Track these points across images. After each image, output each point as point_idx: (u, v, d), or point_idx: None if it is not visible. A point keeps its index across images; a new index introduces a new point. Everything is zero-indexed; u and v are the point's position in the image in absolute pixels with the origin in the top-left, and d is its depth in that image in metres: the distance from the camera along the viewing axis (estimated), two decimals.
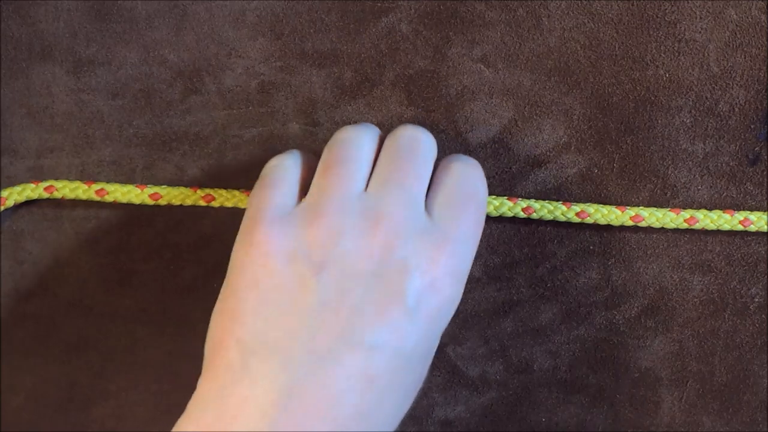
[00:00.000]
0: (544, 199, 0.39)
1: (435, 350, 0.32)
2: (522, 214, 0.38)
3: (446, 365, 0.41)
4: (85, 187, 0.40)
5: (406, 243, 0.30)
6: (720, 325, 0.40)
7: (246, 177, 0.40)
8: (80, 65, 0.39)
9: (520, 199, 0.38)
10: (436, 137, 0.39)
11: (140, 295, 0.41)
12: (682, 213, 0.38)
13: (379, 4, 0.38)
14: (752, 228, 0.38)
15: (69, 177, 0.40)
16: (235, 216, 0.41)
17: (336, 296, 0.29)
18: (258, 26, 0.39)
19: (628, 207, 0.38)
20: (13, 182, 0.40)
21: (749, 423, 0.41)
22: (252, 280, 0.30)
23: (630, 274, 0.40)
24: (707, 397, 0.41)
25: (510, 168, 0.39)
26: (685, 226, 0.38)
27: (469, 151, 0.39)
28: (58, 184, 0.40)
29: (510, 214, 0.38)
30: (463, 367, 0.41)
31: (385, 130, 0.39)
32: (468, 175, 0.34)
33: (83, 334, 0.42)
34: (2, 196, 0.40)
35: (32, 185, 0.40)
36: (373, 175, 0.33)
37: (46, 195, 0.40)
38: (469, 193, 0.33)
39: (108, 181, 0.40)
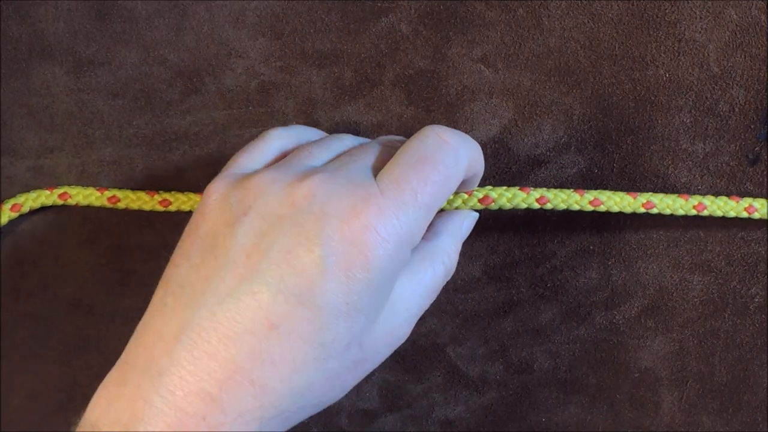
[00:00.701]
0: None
1: (373, 318, 0.30)
2: (536, 205, 0.36)
3: (446, 365, 0.41)
4: (98, 194, 0.40)
5: (330, 193, 0.29)
6: (720, 325, 0.40)
7: None
8: (80, 65, 0.39)
9: (533, 189, 0.37)
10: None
11: (140, 295, 0.41)
12: (690, 199, 0.38)
13: (379, 4, 0.38)
14: (756, 215, 0.38)
15: (69, 177, 0.40)
16: None
17: (251, 240, 0.29)
18: (258, 26, 0.39)
19: (639, 193, 0.38)
20: (13, 182, 0.40)
21: (749, 423, 0.41)
22: (193, 227, 0.31)
23: (630, 274, 0.40)
24: (707, 397, 0.41)
25: (510, 168, 0.39)
26: (693, 212, 0.38)
27: None
28: (72, 191, 0.40)
29: (524, 205, 0.36)
30: (463, 367, 0.41)
31: (386, 129, 0.39)
32: (425, 140, 0.31)
33: (83, 334, 0.42)
34: (18, 202, 0.40)
35: (47, 192, 0.40)
36: None
37: (60, 202, 0.40)
38: (421, 157, 0.31)
39: (108, 181, 0.40)
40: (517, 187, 0.36)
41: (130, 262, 0.41)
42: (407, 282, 0.31)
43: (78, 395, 0.42)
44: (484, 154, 0.39)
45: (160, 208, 0.39)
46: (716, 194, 0.39)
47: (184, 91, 0.39)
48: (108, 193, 0.40)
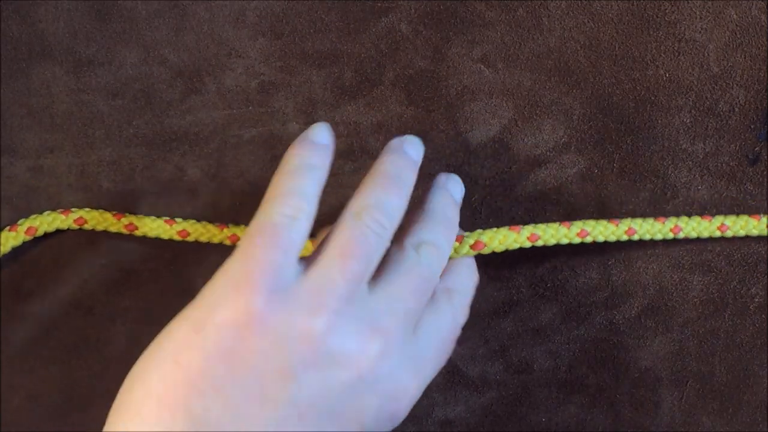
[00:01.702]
0: (544, 200, 0.39)
1: None
2: (528, 243, 0.37)
3: (446, 365, 0.41)
4: (115, 220, 0.40)
5: (392, 360, 0.30)
6: (720, 325, 0.40)
7: (246, 177, 0.40)
8: (80, 65, 0.39)
9: (522, 227, 0.37)
10: (436, 137, 0.39)
11: (140, 295, 0.41)
12: (666, 222, 0.38)
13: (379, 4, 0.38)
14: (729, 233, 0.38)
15: (69, 177, 0.40)
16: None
17: (308, 402, 0.28)
18: (258, 26, 0.39)
19: (621, 220, 0.38)
20: (13, 182, 0.40)
21: (749, 423, 0.41)
22: (228, 350, 0.27)
23: (630, 274, 0.40)
24: (707, 397, 0.41)
25: (510, 168, 0.39)
26: (671, 235, 0.38)
27: (469, 151, 0.39)
28: (88, 216, 0.40)
29: (516, 245, 0.37)
30: (463, 367, 0.41)
31: (385, 129, 0.39)
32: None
33: (83, 335, 0.42)
34: (33, 225, 0.40)
35: (62, 216, 0.40)
36: (378, 281, 0.31)
37: (75, 227, 0.40)
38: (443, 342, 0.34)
39: (109, 181, 0.40)
40: (507, 227, 0.37)
41: (129, 262, 0.41)
42: None
43: (78, 395, 0.42)
44: (485, 154, 0.39)
45: (178, 237, 0.40)
46: (716, 194, 0.39)
47: (184, 91, 0.39)
48: (125, 220, 0.40)
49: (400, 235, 0.33)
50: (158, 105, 0.39)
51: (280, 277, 0.29)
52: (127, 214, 0.40)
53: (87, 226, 0.40)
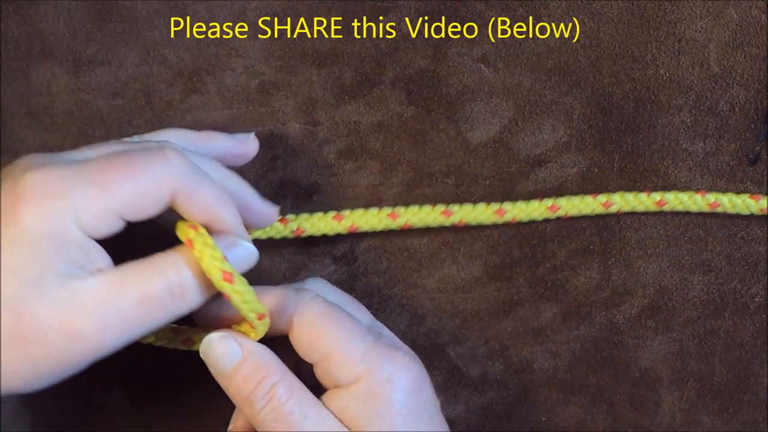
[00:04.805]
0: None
1: (33, 290, 0.29)
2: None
3: (446, 365, 0.41)
4: None
5: (28, 157, 0.30)
6: (720, 325, 0.40)
7: (246, 177, 0.40)
8: (80, 65, 0.39)
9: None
10: (436, 137, 0.39)
11: None
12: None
13: (379, 4, 0.38)
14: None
15: None
16: None
17: None
18: (258, 26, 0.39)
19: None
20: None
21: (749, 423, 0.41)
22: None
23: (630, 274, 0.40)
24: (707, 397, 0.41)
25: (510, 168, 0.39)
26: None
27: (469, 150, 0.39)
28: None
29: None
30: (463, 367, 0.41)
31: (386, 129, 0.39)
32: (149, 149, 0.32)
33: None
34: None
35: None
36: None
37: None
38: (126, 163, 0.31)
39: None
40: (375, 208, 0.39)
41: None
42: (111, 280, 0.31)
43: (78, 394, 0.42)
44: (485, 153, 0.39)
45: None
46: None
47: (184, 91, 0.39)
48: None
49: None
50: (158, 105, 0.39)
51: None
52: None
53: None
